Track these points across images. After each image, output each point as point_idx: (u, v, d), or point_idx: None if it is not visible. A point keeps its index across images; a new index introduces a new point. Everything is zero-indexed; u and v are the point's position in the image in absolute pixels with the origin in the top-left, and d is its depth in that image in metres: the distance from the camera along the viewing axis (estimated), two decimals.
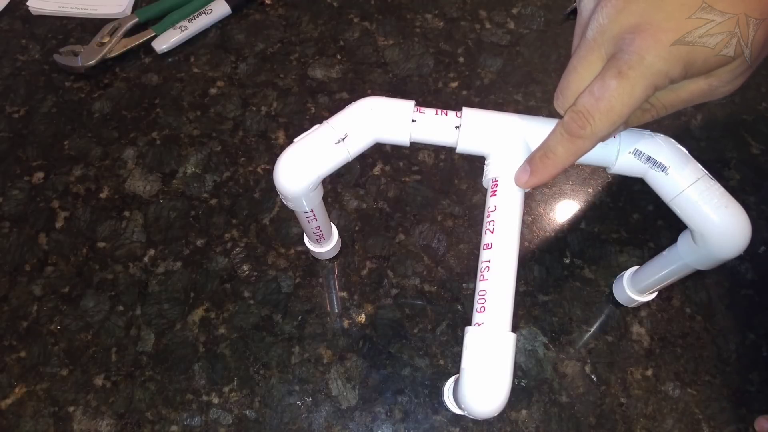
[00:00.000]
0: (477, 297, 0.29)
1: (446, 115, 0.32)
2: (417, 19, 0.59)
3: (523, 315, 0.43)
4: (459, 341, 0.42)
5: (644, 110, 0.29)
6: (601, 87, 0.26)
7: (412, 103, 0.32)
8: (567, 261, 0.46)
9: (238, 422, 0.40)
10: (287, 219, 0.47)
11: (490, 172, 0.32)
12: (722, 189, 0.30)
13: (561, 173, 0.29)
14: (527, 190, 0.31)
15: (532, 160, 0.30)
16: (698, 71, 0.26)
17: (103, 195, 0.49)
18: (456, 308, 0.44)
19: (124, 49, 0.56)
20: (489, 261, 0.29)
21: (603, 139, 0.27)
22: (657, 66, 0.25)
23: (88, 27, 0.59)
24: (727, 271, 0.45)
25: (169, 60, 0.57)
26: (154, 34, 0.57)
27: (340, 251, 0.46)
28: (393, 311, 0.44)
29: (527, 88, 0.55)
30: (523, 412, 0.40)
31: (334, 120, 0.32)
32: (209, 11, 0.58)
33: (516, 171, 0.31)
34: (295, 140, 0.32)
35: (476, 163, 0.50)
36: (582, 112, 0.26)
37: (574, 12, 0.59)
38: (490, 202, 0.31)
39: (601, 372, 0.41)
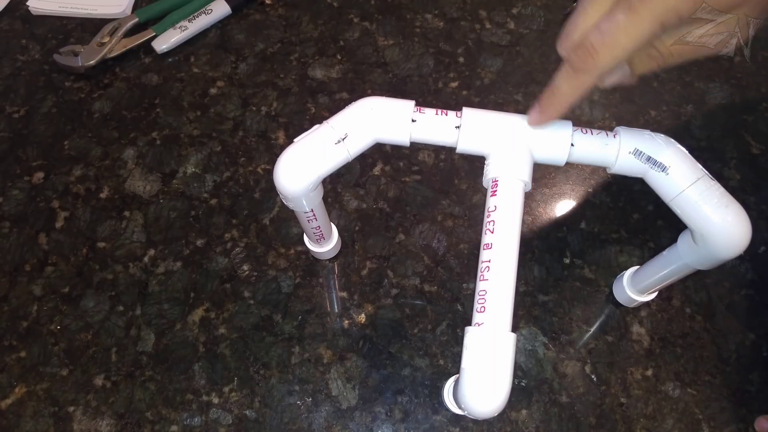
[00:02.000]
0: (477, 297, 0.29)
1: (446, 115, 0.32)
2: (417, 19, 0.59)
3: (523, 315, 0.43)
4: (459, 341, 0.42)
5: (650, 56, 0.29)
6: (608, 21, 0.26)
7: (412, 103, 0.32)
8: (567, 261, 0.46)
9: (238, 422, 0.40)
10: (287, 219, 0.47)
11: (490, 172, 0.31)
12: (722, 189, 0.30)
13: (567, 109, 0.30)
14: (539, 126, 0.31)
15: (540, 99, 0.30)
16: (708, 11, 0.25)
17: (103, 195, 0.49)
18: (456, 308, 0.44)
19: (124, 49, 0.56)
20: (489, 261, 0.29)
21: (605, 73, 0.27)
22: (668, 2, 0.24)
23: (88, 27, 0.59)
24: (727, 271, 0.45)
25: (169, 60, 0.57)
26: (154, 34, 0.57)
27: (340, 251, 0.46)
28: (393, 311, 0.44)
29: (527, 88, 0.55)
30: (523, 412, 0.40)
31: (334, 120, 0.32)
32: (209, 11, 0.58)
33: (528, 113, 0.31)
34: (295, 140, 0.32)
35: (476, 163, 0.50)
36: (587, 47, 0.27)
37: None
38: (490, 202, 0.31)
39: (601, 372, 0.41)
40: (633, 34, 0.25)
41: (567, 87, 0.29)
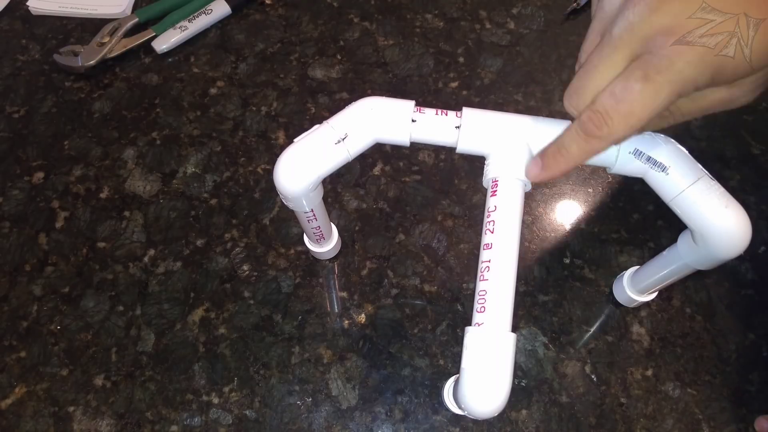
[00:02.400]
0: (477, 297, 0.29)
1: (446, 115, 0.32)
2: (417, 19, 0.59)
3: (523, 315, 0.43)
4: (459, 341, 0.42)
5: (662, 117, 0.28)
6: (623, 89, 0.25)
7: (412, 103, 0.32)
8: (567, 261, 0.46)
9: (238, 422, 0.40)
10: (287, 219, 0.47)
11: (490, 172, 0.32)
12: (722, 189, 0.30)
13: (572, 170, 0.29)
14: (533, 185, 0.31)
15: (544, 155, 0.30)
16: (725, 80, 0.25)
17: (103, 195, 0.49)
18: (456, 308, 0.44)
19: (124, 49, 0.56)
20: (489, 261, 0.29)
21: (618, 142, 0.27)
22: (686, 72, 0.24)
23: (88, 27, 0.59)
24: (727, 271, 0.45)
25: (169, 60, 0.57)
26: (154, 34, 0.57)
27: (340, 251, 0.46)
28: (393, 311, 0.44)
29: (527, 88, 0.55)
30: (523, 412, 0.40)
31: (334, 120, 0.32)
32: (209, 11, 0.58)
33: (528, 164, 0.30)
34: (295, 140, 0.32)
35: (476, 163, 0.50)
36: (601, 113, 0.26)
37: (574, 12, 0.59)
38: (490, 202, 0.31)
39: (601, 372, 0.41)
40: (649, 104, 0.25)
41: (576, 150, 0.28)
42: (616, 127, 0.26)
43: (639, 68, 0.25)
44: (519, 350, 0.42)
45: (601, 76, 0.26)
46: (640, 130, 0.28)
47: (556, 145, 0.29)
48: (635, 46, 0.25)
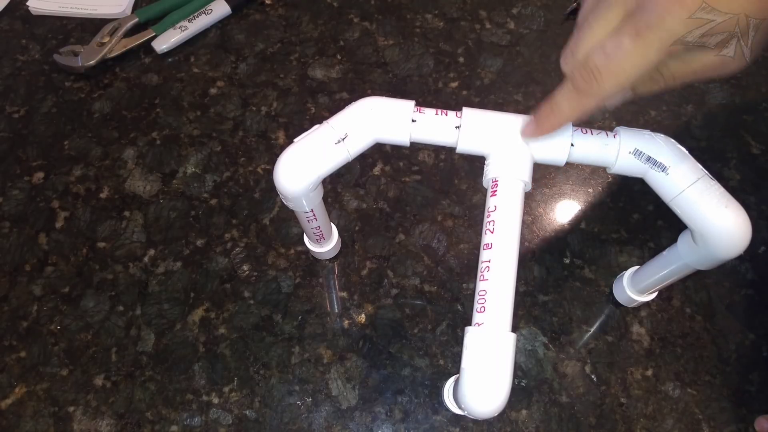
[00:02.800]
0: (477, 297, 0.29)
1: (446, 115, 0.32)
2: (417, 19, 0.59)
3: (523, 315, 0.43)
4: (459, 341, 0.42)
5: (653, 80, 0.28)
6: (614, 45, 0.25)
7: (412, 103, 0.32)
8: (567, 261, 0.46)
9: (238, 422, 0.40)
10: (287, 219, 0.47)
11: (490, 172, 0.32)
12: (722, 189, 0.30)
13: (564, 126, 0.30)
14: (533, 140, 0.31)
15: (537, 112, 0.30)
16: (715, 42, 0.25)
17: (103, 195, 0.49)
18: (456, 308, 0.44)
19: (124, 49, 0.56)
20: (489, 261, 0.29)
21: (608, 98, 0.27)
22: (676, 30, 0.24)
23: (88, 27, 0.59)
24: (727, 271, 0.45)
25: (169, 60, 0.57)
26: (154, 34, 0.57)
27: (340, 251, 0.46)
28: (393, 311, 0.44)
29: (527, 88, 0.55)
30: (523, 412, 0.40)
31: (334, 120, 0.32)
32: (209, 11, 0.58)
33: (524, 123, 0.31)
34: (295, 140, 0.32)
35: (476, 163, 0.50)
36: (591, 69, 0.26)
37: (574, 12, 0.59)
38: (490, 202, 0.31)
39: (601, 372, 0.41)
40: (638, 61, 0.25)
41: (568, 106, 0.28)
42: (605, 84, 0.26)
43: (630, 24, 0.25)
44: (519, 350, 0.42)
45: (595, 35, 0.27)
46: (631, 91, 0.29)
47: (549, 102, 0.29)
48: (629, 3, 0.25)
